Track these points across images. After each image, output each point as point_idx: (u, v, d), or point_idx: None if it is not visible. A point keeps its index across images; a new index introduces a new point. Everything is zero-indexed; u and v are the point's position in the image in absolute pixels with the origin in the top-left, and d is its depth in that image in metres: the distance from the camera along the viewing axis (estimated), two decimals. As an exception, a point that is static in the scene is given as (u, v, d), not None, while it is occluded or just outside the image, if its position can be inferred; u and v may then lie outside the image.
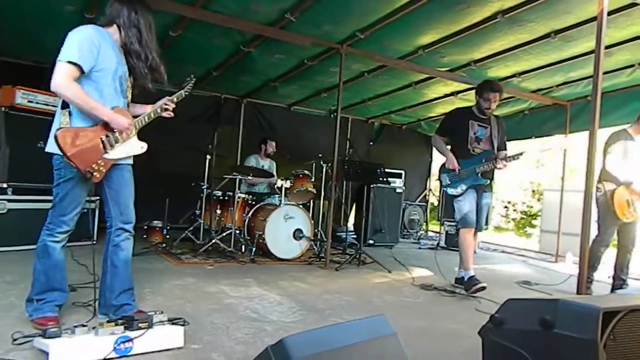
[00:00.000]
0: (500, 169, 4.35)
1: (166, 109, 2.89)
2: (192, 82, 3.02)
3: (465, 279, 4.27)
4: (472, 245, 4.43)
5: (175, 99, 2.92)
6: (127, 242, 2.82)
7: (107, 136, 2.60)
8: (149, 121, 2.85)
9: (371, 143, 9.41)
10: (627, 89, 6.04)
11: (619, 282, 4.55)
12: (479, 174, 4.34)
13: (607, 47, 4.74)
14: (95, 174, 2.55)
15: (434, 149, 9.99)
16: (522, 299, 1.86)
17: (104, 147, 2.59)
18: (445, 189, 4.48)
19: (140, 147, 2.82)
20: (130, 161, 2.83)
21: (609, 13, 3.94)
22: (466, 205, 4.33)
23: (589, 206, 3.17)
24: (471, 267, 4.28)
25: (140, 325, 2.35)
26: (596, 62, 3.15)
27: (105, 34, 2.63)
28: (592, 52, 3.33)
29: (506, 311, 1.80)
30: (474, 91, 6.63)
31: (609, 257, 4.66)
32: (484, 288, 4.07)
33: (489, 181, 4.47)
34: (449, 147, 4.57)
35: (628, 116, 5.85)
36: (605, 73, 5.36)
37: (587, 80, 5.92)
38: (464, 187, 4.35)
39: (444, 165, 4.52)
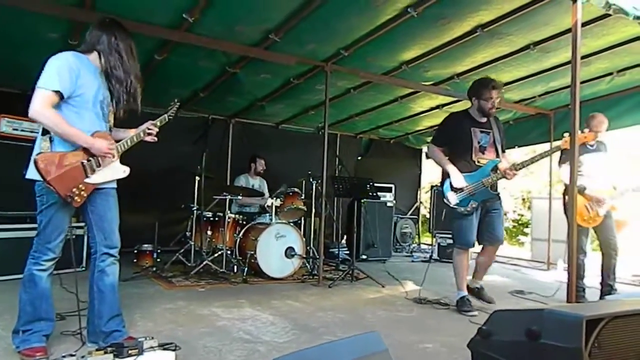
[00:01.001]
0: (510, 179, 3.96)
1: (149, 134, 2.88)
2: (177, 106, 3.03)
3: (457, 298, 4.15)
4: (467, 267, 4.20)
5: (158, 123, 2.92)
6: (112, 267, 2.79)
7: (88, 160, 2.60)
8: (132, 145, 2.84)
9: (359, 158, 9.46)
10: (607, 96, 6.15)
11: (607, 288, 4.57)
12: (488, 188, 3.98)
13: (585, 57, 4.85)
14: (76, 198, 2.54)
15: (423, 160, 10.25)
16: (508, 310, 1.87)
17: (85, 172, 2.59)
18: (454, 208, 4.03)
19: (123, 171, 2.82)
20: (114, 185, 2.82)
21: (585, 24, 4.05)
22: (469, 224, 4.01)
23: (574, 214, 3.21)
24: (464, 287, 4.17)
25: (130, 352, 2.33)
26: (573, 72, 3.22)
27: (85, 59, 2.65)
28: (570, 62, 3.40)
29: (494, 323, 1.81)
30: (459, 103, 6.82)
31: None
32: (474, 316, 3.92)
33: (499, 193, 4.15)
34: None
35: (608, 123, 5.95)
36: (585, 82, 5.50)
37: (568, 89, 5.99)
38: (474, 204, 3.98)
39: (444, 180, 4.11)
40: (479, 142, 4.07)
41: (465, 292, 4.15)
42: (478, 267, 4.35)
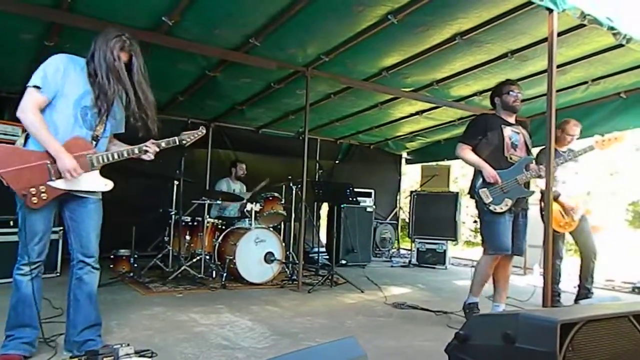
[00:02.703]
0: (544, 177, 3.61)
1: (146, 151, 2.77)
2: (197, 133, 2.92)
3: (468, 302, 3.91)
4: (490, 276, 3.88)
5: (163, 144, 2.82)
6: (89, 275, 2.73)
7: (54, 163, 2.50)
8: (117, 160, 2.72)
9: (336, 162, 9.51)
10: (582, 104, 6.28)
11: (584, 291, 4.62)
12: (523, 185, 3.79)
13: (561, 65, 4.95)
14: (32, 198, 2.45)
15: (402, 166, 10.33)
16: (485, 314, 1.90)
17: (50, 174, 2.50)
18: (487, 207, 3.75)
19: (104, 184, 2.72)
20: (98, 196, 2.75)
21: (561, 33, 4.13)
22: (503, 226, 3.73)
23: (549, 219, 3.27)
24: (479, 294, 3.89)
25: (105, 359, 2.29)
26: (549, 80, 3.27)
27: (79, 61, 2.61)
28: (546, 70, 3.47)
29: (470, 327, 1.82)
30: (438, 110, 6.90)
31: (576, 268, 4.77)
32: None
33: (533, 191, 3.94)
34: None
35: (584, 130, 6.05)
36: (560, 90, 5.60)
37: (544, 97, 6.12)
38: (509, 202, 3.72)
39: (476, 179, 3.88)
40: (510, 139, 3.89)
41: (477, 299, 3.89)
42: (498, 287, 3.97)
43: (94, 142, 2.67)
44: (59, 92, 2.52)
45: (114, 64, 2.58)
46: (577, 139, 4.77)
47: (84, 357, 2.29)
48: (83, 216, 2.69)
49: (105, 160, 2.68)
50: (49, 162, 2.51)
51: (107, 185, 2.73)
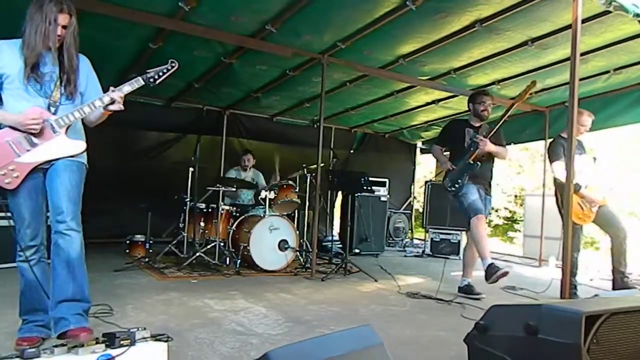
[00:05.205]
0: (481, 147, 4.41)
1: (113, 101, 2.52)
2: (166, 69, 2.65)
3: (485, 267, 4.21)
4: (486, 234, 4.43)
5: (127, 88, 2.56)
6: (64, 238, 2.47)
7: (15, 138, 2.42)
8: (80, 117, 2.54)
9: (351, 151, 9.48)
10: (603, 94, 6.16)
11: (619, 275, 4.37)
12: (470, 161, 4.47)
13: (582, 54, 4.84)
14: (6, 179, 2.40)
15: (417, 155, 10.28)
16: (506, 305, 1.87)
17: (14, 150, 2.42)
18: (452, 189, 4.54)
19: (75, 146, 2.56)
20: (65, 154, 2.54)
21: (584, 20, 4.03)
22: (470, 195, 4.45)
23: (569, 211, 3.22)
24: (489, 255, 4.27)
25: (122, 342, 2.30)
26: (572, 69, 3.20)
27: (15, 41, 2.49)
28: (568, 59, 3.40)
29: (491, 317, 1.80)
30: (455, 99, 6.83)
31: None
32: (506, 273, 4.08)
33: (477, 164, 4.49)
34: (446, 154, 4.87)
35: (604, 121, 5.98)
36: (581, 79, 5.48)
37: (564, 86, 6.03)
38: (464, 178, 4.49)
39: (447, 173, 4.67)
40: (471, 139, 4.57)
41: (490, 260, 4.23)
42: (467, 263, 4.75)
43: (52, 109, 2.53)
44: (4, 76, 2.45)
45: (49, 29, 2.42)
46: (589, 130, 4.69)
47: (101, 339, 2.29)
48: (53, 177, 2.52)
49: (67, 120, 2.51)
50: (8, 139, 2.43)
51: (78, 146, 2.58)
